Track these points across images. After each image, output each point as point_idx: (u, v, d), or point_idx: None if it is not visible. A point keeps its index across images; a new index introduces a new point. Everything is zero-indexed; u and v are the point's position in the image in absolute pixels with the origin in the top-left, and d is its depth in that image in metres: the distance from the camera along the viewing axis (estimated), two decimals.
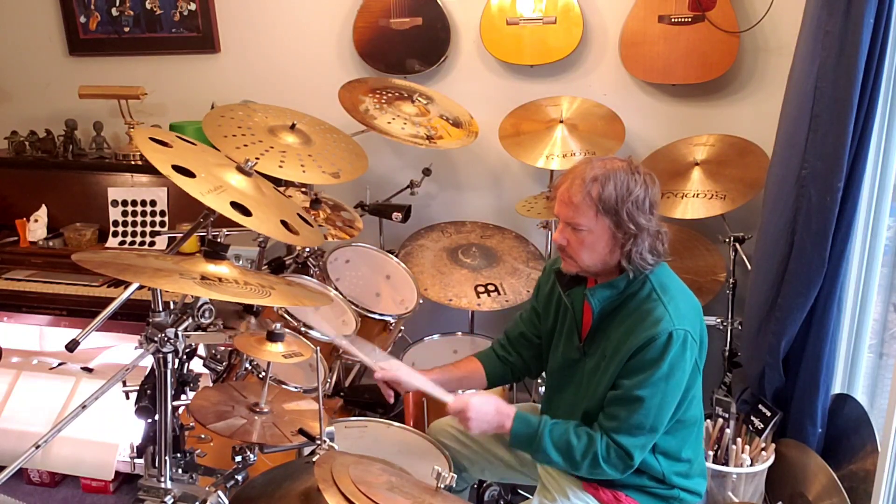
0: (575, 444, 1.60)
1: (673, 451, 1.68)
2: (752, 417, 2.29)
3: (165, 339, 1.44)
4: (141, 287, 1.53)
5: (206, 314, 1.48)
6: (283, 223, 1.53)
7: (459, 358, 1.95)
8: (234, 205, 1.44)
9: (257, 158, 1.78)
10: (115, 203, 2.94)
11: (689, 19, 2.61)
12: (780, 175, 2.20)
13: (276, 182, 2.13)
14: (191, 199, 1.42)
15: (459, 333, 2.81)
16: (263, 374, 1.99)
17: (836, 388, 2.31)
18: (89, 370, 2.87)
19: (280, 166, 2.01)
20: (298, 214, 1.66)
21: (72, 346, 1.42)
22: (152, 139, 1.51)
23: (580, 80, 2.88)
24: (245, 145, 2.03)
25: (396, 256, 2.63)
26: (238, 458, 1.61)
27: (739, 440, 2.22)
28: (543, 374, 1.94)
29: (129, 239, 2.94)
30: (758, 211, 2.42)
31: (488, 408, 1.65)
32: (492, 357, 1.92)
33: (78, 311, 2.70)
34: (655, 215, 1.59)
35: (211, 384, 2.24)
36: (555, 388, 1.82)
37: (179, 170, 1.44)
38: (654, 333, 1.54)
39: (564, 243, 1.63)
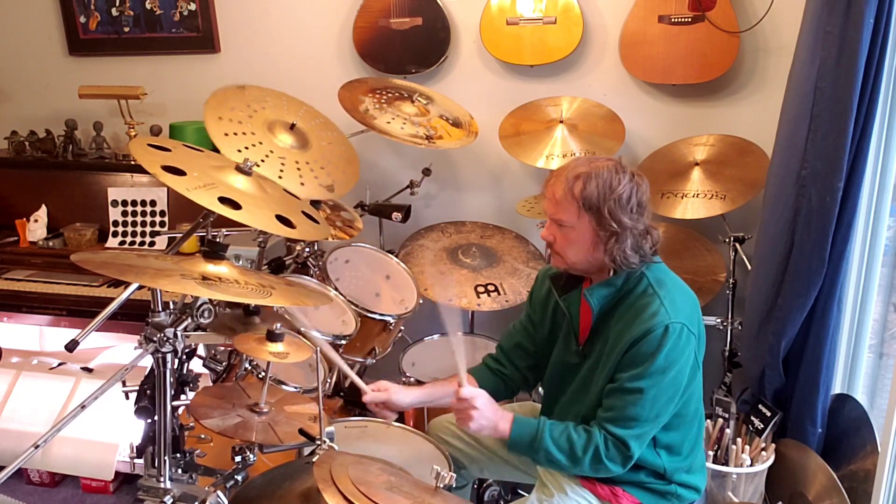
0: (576, 438, 1.61)
1: (675, 447, 1.69)
2: (752, 417, 2.29)
3: (165, 338, 1.44)
4: (141, 287, 1.53)
5: (206, 314, 1.48)
6: (280, 218, 1.53)
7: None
8: (224, 200, 1.44)
9: (258, 164, 1.80)
10: (115, 203, 2.94)
11: (689, 19, 2.61)
12: (780, 175, 2.20)
13: None
14: (191, 200, 1.42)
15: (459, 334, 2.79)
16: (263, 374, 1.99)
17: (836, 388, 2.30)
18: (89, 370, 2.87)
19: (279, 177, 2.07)
20: (304, 212, 1.67)
21: (71, 346, 1.42)
22: (151, 145, 1.52)
23: (580, 80, 2.88)
24: (246, 147, 2.07)
25: (396, 256, 2.63)
26: (238, 458, 1.61)
27: (739, 440, 2.22)
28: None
29: (129, 239, 2.94)
30: (758, 211, 2.41)
31: (492, 406, 1.66)
32: (483, 371, 1.91)
33: (78, 311, 2.70)
34: (645, 216, 1.60)
35: (211, 384, 2.24)
36: (554, 392, 1.83)
37: (171, 170, 1.44)
38: (651, 326, 1.55)
39: (551, 239, 1.65)
